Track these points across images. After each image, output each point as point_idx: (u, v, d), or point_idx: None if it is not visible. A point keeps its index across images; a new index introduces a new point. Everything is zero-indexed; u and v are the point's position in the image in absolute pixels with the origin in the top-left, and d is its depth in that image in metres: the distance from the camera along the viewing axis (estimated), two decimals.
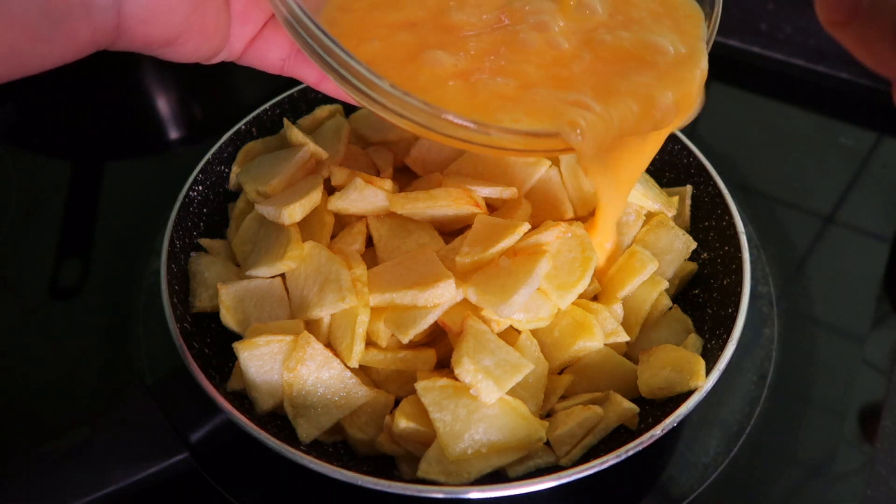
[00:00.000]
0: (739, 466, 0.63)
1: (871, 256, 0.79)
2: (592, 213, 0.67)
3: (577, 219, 0.65)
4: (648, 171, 0.73)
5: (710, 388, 0.55)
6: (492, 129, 0.43)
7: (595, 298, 0.63)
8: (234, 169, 0.72)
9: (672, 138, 0.74)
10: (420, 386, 0.54)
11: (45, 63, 0.41)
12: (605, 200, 0.59)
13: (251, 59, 0.53)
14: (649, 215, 0.68)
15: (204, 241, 0.68)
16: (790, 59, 1.03)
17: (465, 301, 0.57)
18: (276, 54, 0.53)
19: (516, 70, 0.47)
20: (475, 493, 0.50)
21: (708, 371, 0.56)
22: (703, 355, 0.58)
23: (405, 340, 0.56)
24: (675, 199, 0.70)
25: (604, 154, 0.48)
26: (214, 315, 0.62)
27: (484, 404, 0.53)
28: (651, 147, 0.54)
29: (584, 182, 0.66)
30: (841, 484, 0.62)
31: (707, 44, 0.51)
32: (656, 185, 0.71)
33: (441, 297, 0.55)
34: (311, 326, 0.58)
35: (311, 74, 0.54)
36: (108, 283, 0.76)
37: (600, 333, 0.58)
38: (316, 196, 0.62)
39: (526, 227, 0.58)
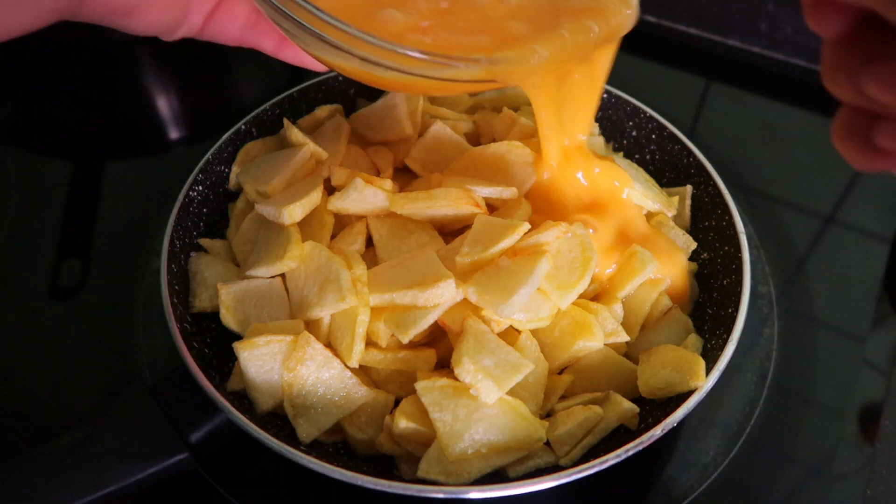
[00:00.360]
0: (739, 466, 0.63)
1: (871, 256, 0.79)
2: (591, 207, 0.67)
3: (576, 218, 0.65)
4: (648, 171, 0.73)
5: (710, 388, 0.55)
6: (456, 60, 0.46)
7: (595, 298, 0.63)
8: (234, 169, 0.72)
9: (672, 138, 0.74)
10: (420, 386, 0.54)
11: (11, 30, 0.43)
12: (548, 122, 0.59)
13: (211, 33, 0.55)
14: (649, 215, 0.68)
15: (204, 241, 0.68)
16: (790, 59, 1.03)
17: (465, 301, 0.57)
18: (234, 25, 0.55)
19: (474, 27, 0.50)
20: (475, 493, 0.50)
21: (708, 371, 0.56)
22: (703, 355, 0.58)
23: (405, 340, 0.56)
24: (675, 199, 0.70)
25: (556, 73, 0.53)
26: (214, 315, 0.62)
27: (484, 404, 0.53)
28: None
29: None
30: (841, 484, 0.62)
31: None
32: (656, 185, 0.71)
33: (441, 297, 0.56)
34: (311, 326, 0.58)
35: (268, 43, 0.57)
36: (108, 283, 0.76)
37: (600, 333, 0.58)
38: (316, 196, 0.62)
39: (526, 227, 0.58)
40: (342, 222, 0.65)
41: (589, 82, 0.58)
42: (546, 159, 0.63)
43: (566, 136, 0.62)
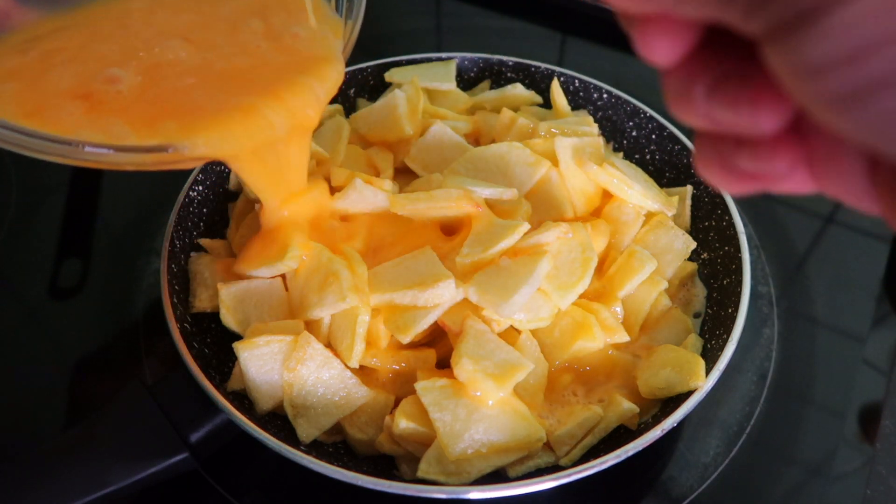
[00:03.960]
0: (739, 466, 0.63)
1: (871, 256, 0.79)
2: (595, 213, 0.67)
3: (577, 219, 0.65)
4: (648, 171, 0.73)
5: (710, 388, 0.55)
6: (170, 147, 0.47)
7: (595, 298, 0.63)
8: None
9: (672, 138, 0.74)
10: (420, 386, 0.54)
11: None
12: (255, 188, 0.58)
13: None
14: (649, 215, 0.68)
15: (204, 241, 0.68)
16: None
17: (465, 301, 0.57)
18: None
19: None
20: (475, 494, 0.50)
21: (708, 371, 0.56)
22: (703, 355, 0.58)
23: (405, 341, 0.56)
24: (675, 199, 0.70)
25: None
26: (214, 315, 0.62)
27: (484, 404, 0.53)
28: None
29: (584, 183, 0.66)
30: (841, 484, 0.62)
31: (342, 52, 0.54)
32: (656, 185, 0.71)
33: (441, 297, 0.56)
34: (312, 326, 0.58)
35: None
36: (108, 283, 0.76)
37: (600, 333, 0.58)
38: (317, 197, 0.62)
39: (526, 226, 0.58)
40: (342, 222, 0.65)
41: (300, 144, 0.56)
42: (272, 211, 0.60)
43: (285, 191, 0.59)
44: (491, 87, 0.83)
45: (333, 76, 0.53)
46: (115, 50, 0.52)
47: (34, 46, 0.51)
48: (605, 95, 0.79)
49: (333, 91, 0.54)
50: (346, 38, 0.56)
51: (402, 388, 0.58)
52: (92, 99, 0.49)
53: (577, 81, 0.80)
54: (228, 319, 0.60)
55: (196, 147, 0.48)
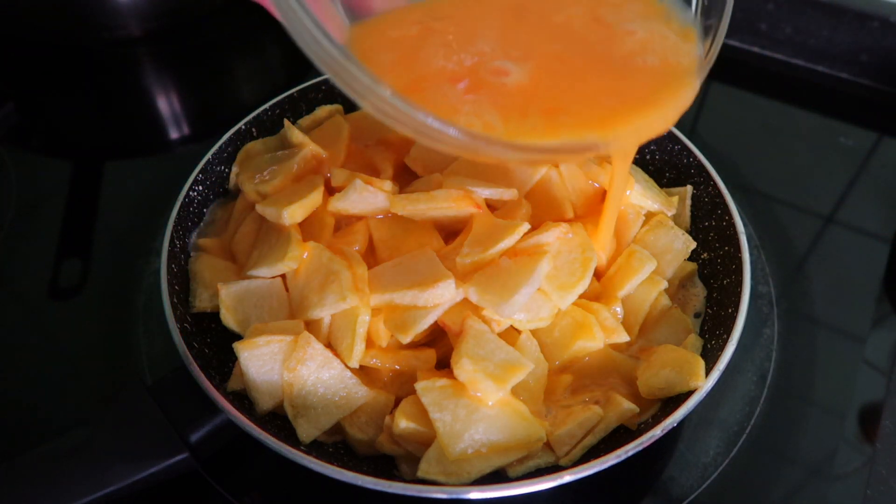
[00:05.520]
0: (739, 466, 0.63)
1: (871, 256, 0.79)
2: (594, 214, 0.67)
3: (577, 219, 0.65)
4: (648, 171, 0.74)
5: (710, 388, 0.55)
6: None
7: (595, 298, 0.63)
8: (234, 169, 0.72)
9: (672, 138, 0.74)
10: (420, 386, 0.54)
11: None
12: (614, 201, 0.60)
13: None
14: (649, 215, 0.68)
15: (203, 242, 0.68)
16: (790, 59, 1.03)
17: (465, 301, 0.57)
18: None
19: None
20: (475, 493, 0.50)
21: (708, 371, 0.56)
22: (703, 355, 0.58)
23: (405, 341, 0.56)
24: (675, 199, 0.70)
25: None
26: (214, 315, 0.62)
27: (484, 404, 0.53)
28: None
29: (584, 183, 0.66)
30: (841, 484, 0.62)
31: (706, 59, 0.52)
32: (656, 185, 0.71)
33: (441, 297, 0.56)
34: (312, 326, 0.58)
35: None
36: (108, 283, 0.76)
37: (600, 333, 0.58)
38: (317, 197, 0.62)
39: (526, 227, 0.58)
40: (342, 222, 0.65)
41: None
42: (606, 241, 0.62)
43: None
44: None
45: (690, 95, 0.52)
46: (493, 42, 0.51)
47: (414, 25, 0.51)
48: None
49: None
50: (708, 46, 0.52)
51: (402, 388, 0.58)
52: (473, 85, 0.48)
53: None
54: (228, 319, 0.60)
55: (612, 143, 0.48)
